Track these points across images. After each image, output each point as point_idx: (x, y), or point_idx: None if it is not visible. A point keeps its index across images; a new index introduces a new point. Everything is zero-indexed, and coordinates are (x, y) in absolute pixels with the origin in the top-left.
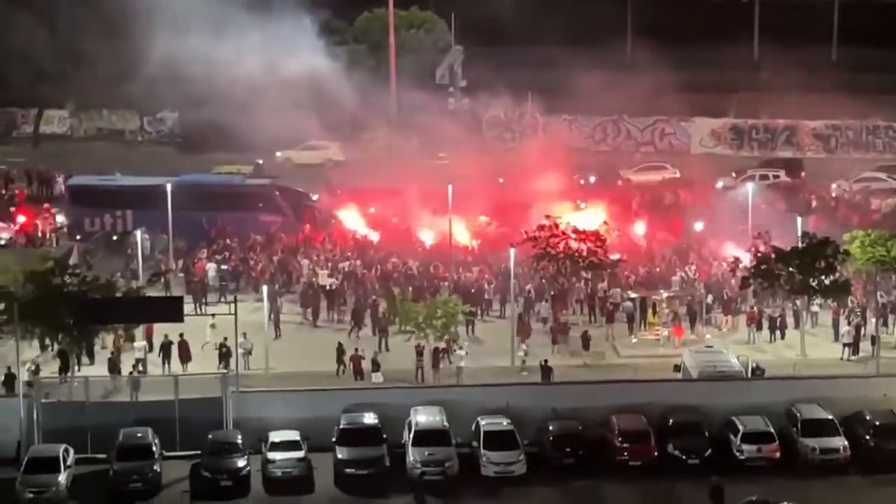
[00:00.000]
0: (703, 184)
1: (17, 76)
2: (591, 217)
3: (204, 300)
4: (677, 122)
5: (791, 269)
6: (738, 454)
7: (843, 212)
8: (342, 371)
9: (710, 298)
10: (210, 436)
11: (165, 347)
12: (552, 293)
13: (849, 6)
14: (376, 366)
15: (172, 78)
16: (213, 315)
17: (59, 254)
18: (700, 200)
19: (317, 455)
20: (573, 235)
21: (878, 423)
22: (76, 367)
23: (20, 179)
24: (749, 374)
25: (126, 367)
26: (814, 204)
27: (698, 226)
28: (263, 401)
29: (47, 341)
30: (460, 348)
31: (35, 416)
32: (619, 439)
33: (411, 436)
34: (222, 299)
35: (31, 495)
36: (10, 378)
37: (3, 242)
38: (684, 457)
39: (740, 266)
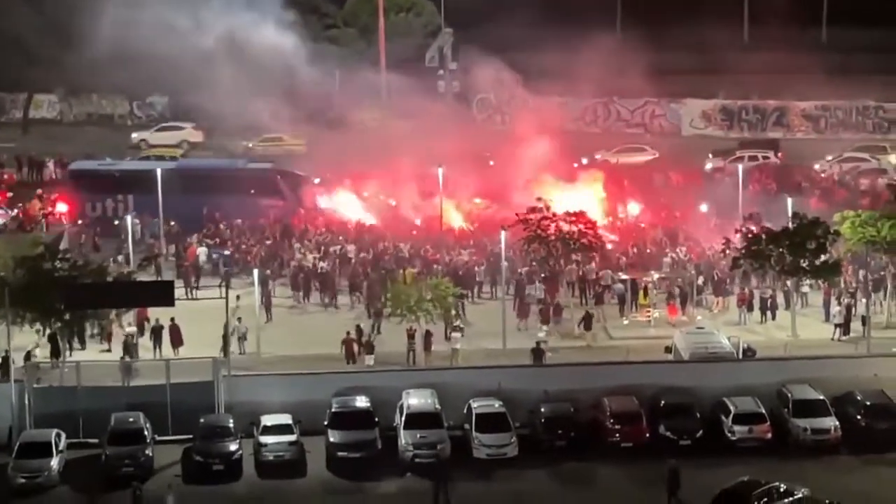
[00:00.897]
0: (686, 165)
1: (5, 60)
2: (584, 198)
3: (196, 284)
4: (667, 104)
5: (782, 249)
6: (729, 435)
7: (838, 193)
8: (359, 353)
9: (700, 280)
10: (202, 420)
11: (156, 332)
12: (543, 275)
13: None
14: (370, 349)
15: (160, 61)
16: (238, 296)
17: (49, 239)
18: (692, 182)
19: (309, 439)
20: (568, 218)
21: (868, 403)
22: (68, 352)
23: (10, 164)
24: (740, 355)
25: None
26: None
27: (703, 207)
28: (255, 385)
29: (38, 326)
30: (456, 330)
31: (27, 401)
32: (611, 421)
33: (403, 419)
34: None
35: (22, 480)
36: (3, 363)
37: None
38: (676, 438)
39: (731, 247)
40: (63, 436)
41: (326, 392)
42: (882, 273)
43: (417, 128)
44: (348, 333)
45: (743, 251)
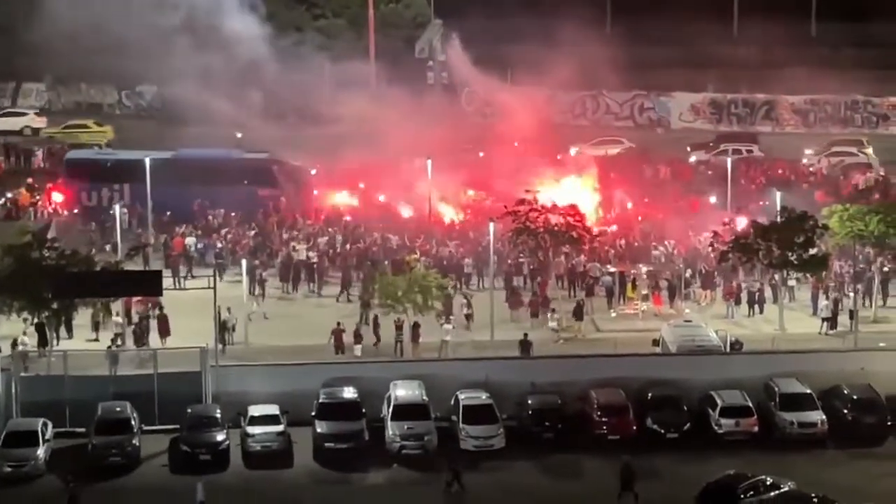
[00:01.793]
0: (665, 157)
1: None
2: (578, 191)
3: (190, 273)
4: (656, 97)
5: (770, 243)
6: (716, 428)
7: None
8: (377, 345)
9: (688, 273)
10: (189, 410)
11: (144, 321)
12: (532, 267)
13: None
14: (358, 338)
15: (149, 51)
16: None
17: (37, 228)
18: (682, 174)
19: (296, 429)
20: (556, 211)
21: (855, 397)
22: (55, 341)
23: None
24: (727, 349)
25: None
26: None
27: (712, 199)
28: (243, 375)
29: (25, 315)
30: (445, 322)
31: (13, 389)
32: (598, 413)
33: (390, 410)
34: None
35: (9, 469)
36: None
37: None
38: (663, 431)
39: (719, 240)
40: (50, 425)
41: (314, 383)
42: (868, 270)
43: (406, 119)
44: (338, 324)
45: (731, 244)
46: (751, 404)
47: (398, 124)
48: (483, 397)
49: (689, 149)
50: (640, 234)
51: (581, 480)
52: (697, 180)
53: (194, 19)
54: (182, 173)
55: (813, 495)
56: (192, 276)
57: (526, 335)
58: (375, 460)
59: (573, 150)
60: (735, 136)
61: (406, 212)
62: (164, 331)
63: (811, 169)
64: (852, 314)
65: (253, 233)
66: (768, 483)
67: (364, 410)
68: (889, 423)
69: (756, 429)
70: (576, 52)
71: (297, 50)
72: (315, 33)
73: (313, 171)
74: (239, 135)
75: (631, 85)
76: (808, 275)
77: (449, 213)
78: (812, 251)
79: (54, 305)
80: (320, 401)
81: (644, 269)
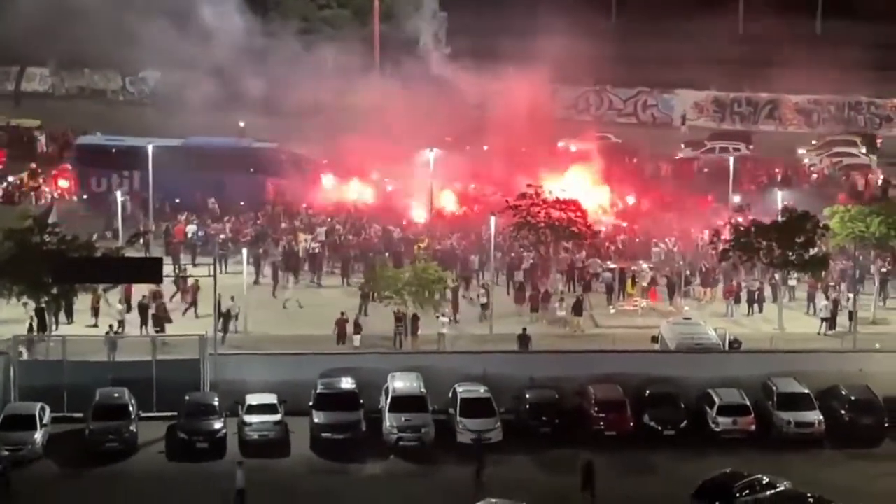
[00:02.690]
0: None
1: None
2: (578, 185)
3: (193, 261)
4: (660, 94)
5: (771, 242)
6: (713, 426)
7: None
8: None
9: (688, 270)
10: (187, 397)
11: (143, 308)
12: (532, 262)
13: None
14: (358, 328)
15: (153, 38)
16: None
17: (38, 212)
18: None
19: (293, 419)
20: (558, 205)
21: (853, 397)
22: (54, 326)
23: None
24: (726, 347)
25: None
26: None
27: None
28: (241, 364)
29: (25, 299)
30: (442, 315)
31: (12, 374)
32: (596, 409)
33: (388, 401)
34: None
35: (6, 453)
36: None
37: None
38: (660, 428)
39: (720, 238)
40: (48, 409)
41: (312, 373)
42: (868, 272)
43: (408, 110)
44: (342, 314)
45: (732, 243)
46: (748, 403)
47: (400, 115)
48: (481, 391)
49: (682, 146)
50: (641, 230)
51: (576, 475)
52: (699, 178)
53: (199, 6)
54: (191, 161)
55: (809, 495)
56: (195, 265)
57: (524, 329)
58: (372, 451)
59: (560, 144)
60: (729, 134)
61: (409, 204)
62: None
63: (812, 168)
64: (851, 315)
65: (252, 222)
66: (764, 482)
67: (362, 401)
68: (886, 425)
69: (753, 428)
70: (580, 48)
71: (302, 39)
72: (320, 23)
73: (324, 161)
74: (241, 123)
75: (635, 81)
76: (807, 275)
77: (450, 206)
78: (812, 251)
79: (54, 290)
80: (318, 391)
81: (645, 265)
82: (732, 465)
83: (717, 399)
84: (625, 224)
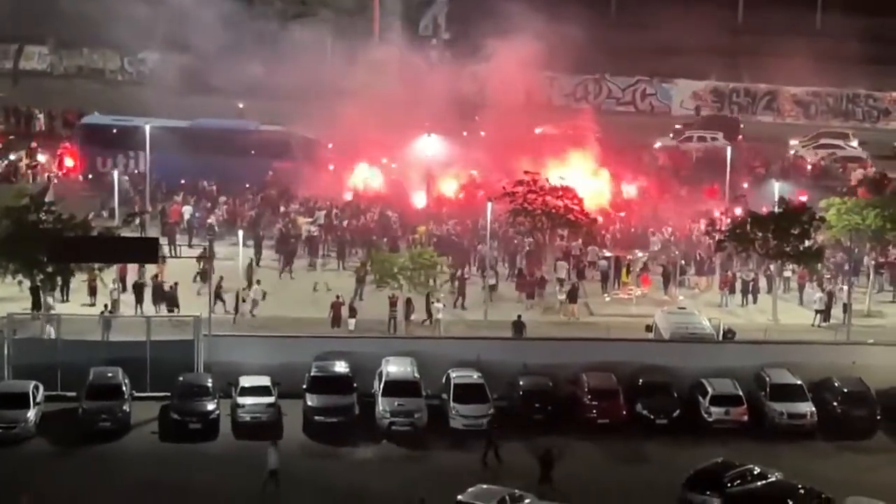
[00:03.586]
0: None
1: None
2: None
3: (189, 242)
4: (659, 83)
5: (767, 233)
6: (706, 416)
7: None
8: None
9: (683, 260)
10: (181, 378)
11: (138, 288)
12: (527, 250)
13: None
14: (352, 312)
15: (153, 18)
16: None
17: (35, 190)
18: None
19: (287, 402)
20: (555, 193)
21: (846, 389)
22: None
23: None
24: (720, 337)
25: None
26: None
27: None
28: (235, 345)
29: (20, 278)
30: (437, 301)
31: (6, 352)
32: (589, 397)
33: (381, 386)
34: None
35: None
36: None
37: None
38: (653, 417)
39: (716, 228)
40: (41, 388)
41: (307, 356)
42: (862, 264)
43: (408, 96)
44: (338, 297)
45: (727, 233)
46: (741, 393)
47: (400, 101)
48: (475, 377)
49: (671, 135)
50: (637, 219)
51: (568, 463)
52: (696, 168)
53: None
54: (198, 143)
55: (800, 486)
56: (191, 246)
57: (519, 316)
58: (365, 435)
59: (538, 131)
60: (718, 120)
61: (408, 189)
62: (159, 298)
63: (809, 161)
64: (846, 307)
65: (251, 204)
66: (756, 472)
67: (355, 385)
68: (878, 417)
69: (745, 418)
70: (580, 36)
71: (300, 22)
72: (319, 6)
73: (329, 146)
74: (241, 105)
75: (634, 70)
76: (802, 266)
77: (450, 191)
78: (807, 243)
79: (49, 269)
80: (312, 374)
81: (640, 254)
82: (724, 454)
83: (710, 389)
84: (622, 214)
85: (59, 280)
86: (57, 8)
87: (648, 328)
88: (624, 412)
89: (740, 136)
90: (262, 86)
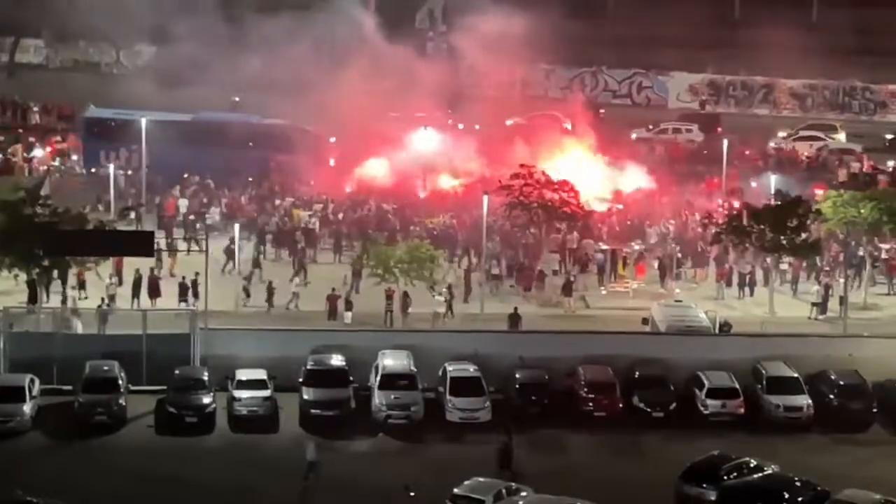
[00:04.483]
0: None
1: None
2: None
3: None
4: (655, 76)
5: (763, 226)
6: (702, 409)
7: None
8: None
9: (679, 252)
10: (177, 372)
11: (136, 282)
12: (523, 242)
13: None
14: (349, 305)
15: (148, 11)
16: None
17: (30, 184)
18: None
19: (283, 395)
20: (551, 186)
21: (842, 382)
22: (45, 298)
23: None
24: (717, 330)
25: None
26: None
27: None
28: (231, 338)
29: (16, 271)
30: (438, 294)
31: (2, 345)
32: (585, 390)
33: (378, 379)
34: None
35: None
36: None
37: None
38: (649, 410)
39: (712, 221)
40: (37, 381)
41: (303, 349)
42: (856, 257)
43: (403, 89)
44: (333, 290)
45: (724, 226)
46: (737, 386)
47: (395, 94)
48: (471, 370)
49: (650, 126)
50: (633, 212)
51: (565, 455)
52: (692, 160)
53: None
54: (201, 136)
55: (796, 478)
56: (185, 239)
57: (515, 309)
58: (361, 428)
59: (509, 122)
60: (698, 115)
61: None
62: (154, 292)
63: (779, 151)
64: (842, 300)
65: (248, 198)
66: (752, 465)
67: (351, 378)
68: (874, 410)
69: (742, 411)
70: (576, 29)
71: (296, 14)
72: None
73: (332, 139)
74: (237, 98)
75: (630, 63)
76: (799, 259)
77: (446, 185)
78: (804, 235)
79: (45, 262)
80: (308, 367)
81: (636, 246)
82: (720, 447)
83: (706, 382)
84: (621, 206)
85: (55, 273)
86: (52, 1)
87: (645, 321)
88: (620, 405)
89: (719, 129)
90: (257, 79)
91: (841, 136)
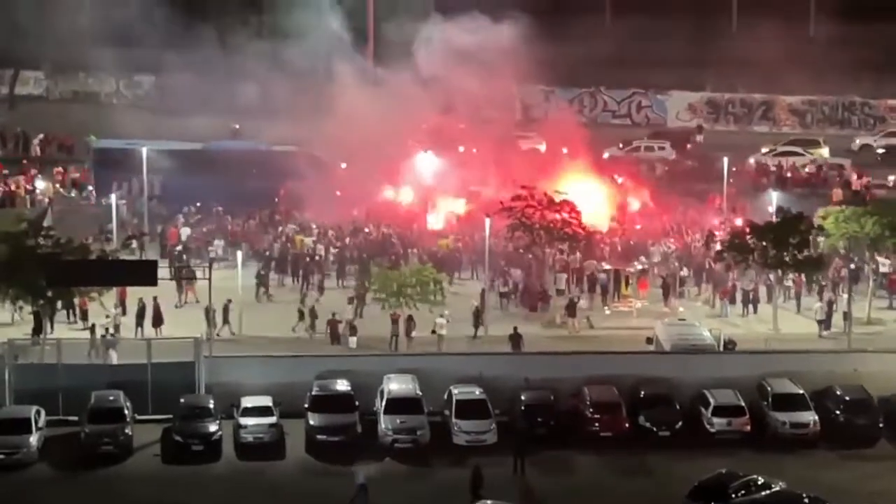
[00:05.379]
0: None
1: None
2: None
3: (188, 264)
4: (654, 96)
5: (765, 243)
6: (708, 427)
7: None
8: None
9: (684, 271)
10: (182, 400)
11: (140, 312)
12: (528, 264)
13: None
14: (353, 330)
15: (147, 41)
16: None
17: (32, 215)
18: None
19: (289, 421)
20: (553, 207)
21: (848, 398)
22: (49, 329)
23: None
24: (721, 348)
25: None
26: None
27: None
28: (236, 366)
29: (20, 303)
30: (441, 316)
31: (7, 377)
32: (591, 410)
33: (383, 403)
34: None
35: (1, 456)
36: None
37: None
38: (655, 429)
39: (715, 239)
40: (42, 413)
41: (308, 375)
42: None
43: (401, 112)
44: (333, 315)
45: (727, 244)
46: (743, 404)
47: (393, 118)
48: (476, 392)
49: (620, 145)
50: (635, 231)
51: (572, 477)
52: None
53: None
54: (211, 165)
55: (804, 496)
56: (176, 268)
57: (516, 329)
58: (367, 453)
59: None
60: (675, 132)
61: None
62: (158, 320)
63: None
64: (846, 315)
65: (257, 224)
66: (759, 482)
67: (357, 403)
68: (881, 425)
69: (748, 428)
70: (575, 49)
71: (296, 41)
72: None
73: (343, 165)
74: (237, 126)
75: (629, 82)
76: (801, 275)
77: (448, 208)
78: (806, 252)
79: (49, 293)
80: (313, 393)
81: (639, 266)
82: (727, 465)
83: (712, 400)
84: (622, 225)
85: (59, 304)
86: (52, 33)
87: (649, 340)
88: (626, 425)
89: (688, 146)
90: (257, 106)
91: (824, 151)
